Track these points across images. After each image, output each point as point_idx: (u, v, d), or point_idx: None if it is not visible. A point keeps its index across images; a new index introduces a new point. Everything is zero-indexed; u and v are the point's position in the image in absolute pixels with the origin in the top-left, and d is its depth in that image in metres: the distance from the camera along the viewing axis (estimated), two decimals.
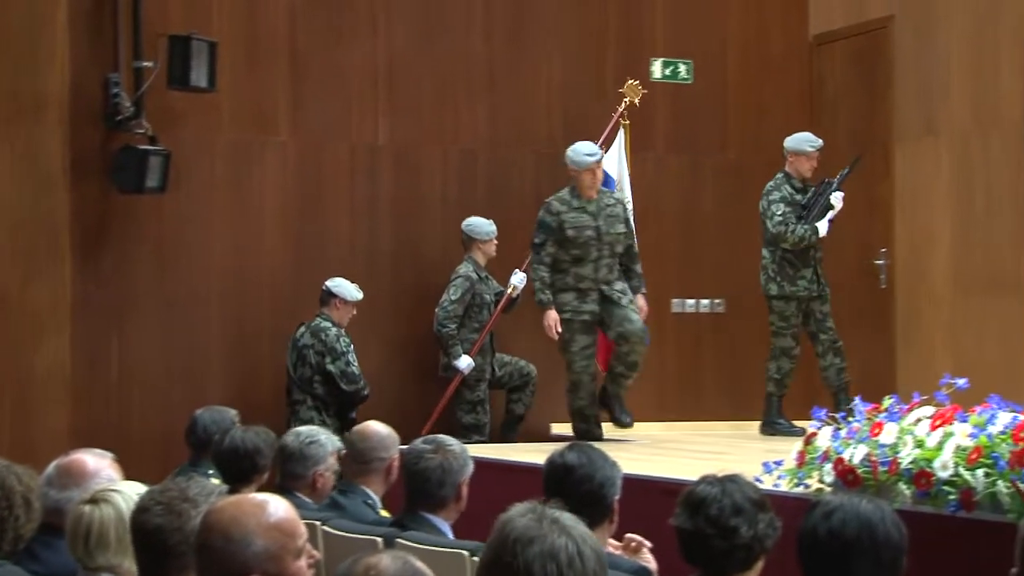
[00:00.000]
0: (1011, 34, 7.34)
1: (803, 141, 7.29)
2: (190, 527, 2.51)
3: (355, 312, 7.35)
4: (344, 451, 4.38)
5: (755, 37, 8.61)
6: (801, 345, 7.27)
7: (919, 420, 4.27)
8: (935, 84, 7.79)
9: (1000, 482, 3.84)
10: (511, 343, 7.68)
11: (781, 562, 2.91)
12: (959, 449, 4.01)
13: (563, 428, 7.38)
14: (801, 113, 8.39)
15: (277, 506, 2.38)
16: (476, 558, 3.17)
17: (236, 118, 7.56)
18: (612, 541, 3.43)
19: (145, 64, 7.14)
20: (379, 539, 3.61)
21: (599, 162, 6.94)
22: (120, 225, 7.28)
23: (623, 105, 7.69)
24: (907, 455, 4.14)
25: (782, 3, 8.61)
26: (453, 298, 7.45)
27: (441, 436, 3.87)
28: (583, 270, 6.86)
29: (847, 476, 4.31)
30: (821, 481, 4.45)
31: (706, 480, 2.94)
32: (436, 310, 7.43)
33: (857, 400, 4.65)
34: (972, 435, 4.02)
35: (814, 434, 4.58)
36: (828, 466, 4.40)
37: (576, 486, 3.29)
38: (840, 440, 4.43)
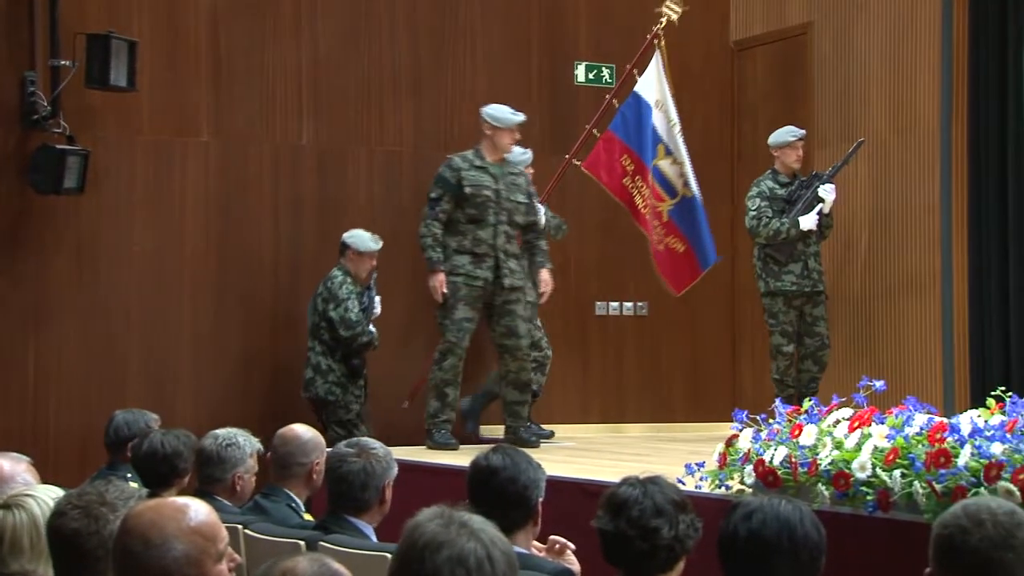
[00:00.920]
0: (927, 41, 7.47)
1: (784, 132, 7.39)
2: (108, 531, 2.48)
3: (374, 264, 7.25)
4: (265, 453, 4.35)
5: (676, 42, 8.67)
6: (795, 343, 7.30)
7: (838, 422, 4.34)
8: (853, 90, 7.90)
9: (916, 483, 3.90)
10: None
11: (702, 563, 2.93)
12: (876, 450, 4.07)
13: (491, 430, 7.37)
14: (722, 118, 8.48)
15: (197, 510, 2.35)
16: None
17: (156, 118, 7.47)
18: (535, 543, 3.44)
19: (63, 63, 7.03)
20: (302, 542, 3.59)
21: (520, 126, 6.89)
22: (37, 226, 7.16)
23: (660, 24, 7.53)
24: (826, 456, 4.20)
25: (703, 9, 8.69)
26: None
27: (365, 439, 3.85)
28: (481, 233, 6.76)
29: (768, 477, 4.36)
30: (742, 482, 4.50)
31: (628, 482, 2.96)
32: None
33: (777, 402, 4.71)
34: (889, 437, 4.09)
35: (735, 436, 4.63)
36: (749, 467, 4.45)
37: (500, 488, 3.29)
38: (761, 442, 4.48)
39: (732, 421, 4.75)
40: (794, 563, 2.65)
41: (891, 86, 7.71)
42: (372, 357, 7.29)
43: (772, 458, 4.37)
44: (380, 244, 7.24)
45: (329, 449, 4.10)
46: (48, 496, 2.77)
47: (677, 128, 7.34)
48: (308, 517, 4.19)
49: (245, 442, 4.27)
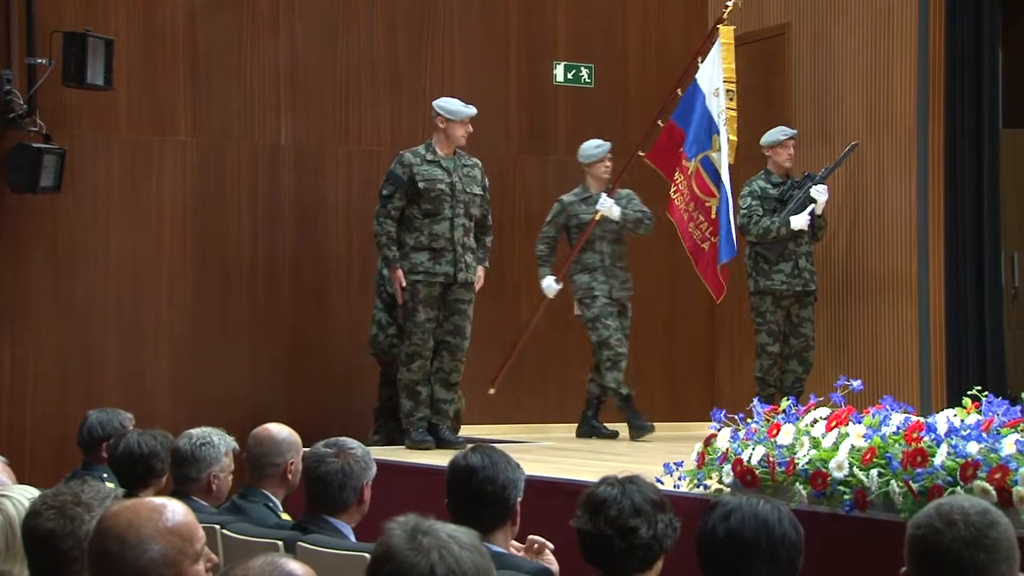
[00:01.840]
0: (903, 43, 7.50)
1: (776, 132, 7.42)
2: (83, 531, 2.47)
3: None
4: (241, 452, 4.33)
5: (655, 42, 8.70)
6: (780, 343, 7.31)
7: (815, 421, 4.35)
8: (831, 91, 7.93)
9: (893, 482, 3.92)
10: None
11: (681, 562, 2.94)
12: (854, 450, 4.09)
13: (469, 430, 7.36)
14: None
15: (175, 510, 2.34)
16: None
17: (134, 117, 7.44)
18: (514, 543, 3.44)
19: (39, 61, 6.99)
20: (280, 542, 3.58)
21: (472, 118, 6.86)
22: (13, 225, 7.12)
23: (727, 8, 7.34)
24: (804, 456, 4.21)
25: (682, 9, 8.71)
26: (547, 219, 7.51)
27: (343, 439, 3.83)
28: (438, 227, 6.74)
29: (746, 477, 4.37)
30: (720, 482, 4.50)
31: (606, 481, 2.96)
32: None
33: (755, 401, 4.72)
34: (866, 436, 4.10)
35: (714, 435, 4.64)
36: (727, 467, 4.46)
37: (479, 488, 3.29)
38: (739, 441, 4.49)
39: (711, 420, 4.76)
40: (772, 562, 2.66)
41: (868, 87, 7.74)
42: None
43: (750, 457, 4.38)
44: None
45: (306, 449, 4.09)
46: (24, 496, 2.76)
47: (723, 118, 7.10)
48: (286, 517, 4.17)
49: (220, 441, 4.25)
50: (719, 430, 4.62)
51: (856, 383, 4.37)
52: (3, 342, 7.08)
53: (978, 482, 3.69)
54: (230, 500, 4.23)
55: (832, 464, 4.10)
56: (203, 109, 7.62)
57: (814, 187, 7.26)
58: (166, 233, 7.51)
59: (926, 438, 3.93)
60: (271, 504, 4.16)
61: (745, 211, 7.27)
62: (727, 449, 4.51)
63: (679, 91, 7.26)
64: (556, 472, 5.49)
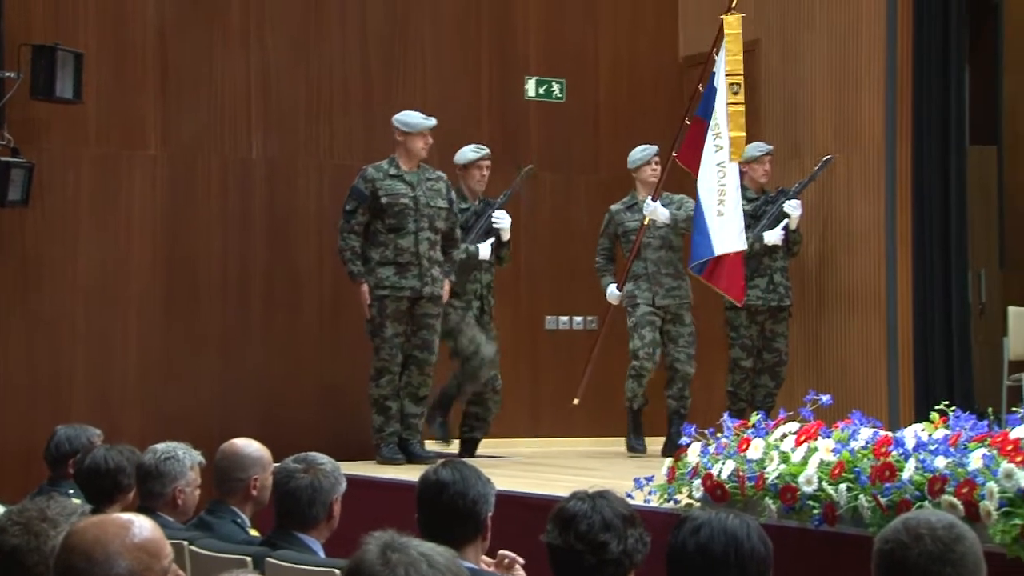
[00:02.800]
0: (871, 59, 7.56)
1: (752, 148, 7.39)
2: (49, 547, 2.45)
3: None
4: (206, 466, 4.31)
5: (626, 57, 8.74)
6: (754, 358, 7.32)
7: (785, 436, 4.37)
8: (800, 107, 7.98)
9: (862, 496, 3.94)
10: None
11: None
12: (823, 464, 4.11)
13: (436, 445, 7.36)
14: (671, 133, 8.50)
15: (142, 526, 2.33)
16: None
17: (103, 130, 7.41)
18: (485, 558, 3.44)
19: (7, 74, 6.95)
20: (248, 558, 3.56)
21: (431, 130, 6.85)
22: None
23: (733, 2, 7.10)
24: (773, 470, 4.23)
25: (653, 25, 8.76)
26: (600, 231, 7.46)
27: (313, 454, 3.82)
28: (402, 241, 6.73)
29: (716, 491, 4.38)
30: (690, 496, 4.52)
31: (577, 496, 2.96)
32: None
33: (726, 416, 4.74)
34: (835, 450, 4.13)
35: (684, 450, 4.65)
36: (697, 481, 4.47)
37: (449, 503, 3.29)
38: (709, 456, 4.50)
39: (680, 435, 4.78)
40: None
41: (837, 104, 7.79)
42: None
43: (720, 472, 4.39)
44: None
45: (277, 464, 4.07)
46: None
47: (726, 114, 6.86)
48: (254, 533, 4.15)
49: (185, 455, 4.22)
50: (689, 444, 4.63)
51: (825, 398, 4.40)
52: None
53: (946, 496, 3.72)
54: (197, 516, 4.21)
55: (801, 479, 4.12)
56: (173, 123, 7.59)
57: (787, 202, 7.29)
58: (135, 247, 7.47)
59: (894, 453, 3.95)
60: (239, 520, 4.14)
61: None
62: (697, 464, 4.52)
63: (700, 87, 7.09)
64: (527, 487, 5.49)
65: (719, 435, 4.59)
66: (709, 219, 6.80)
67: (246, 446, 4.21)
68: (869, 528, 3.87)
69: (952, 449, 3.84)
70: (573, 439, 8.04)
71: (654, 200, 7.18)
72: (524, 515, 4.54)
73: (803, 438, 4.27)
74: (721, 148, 6.79)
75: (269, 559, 3.51)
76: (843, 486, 3.99)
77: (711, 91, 6.92)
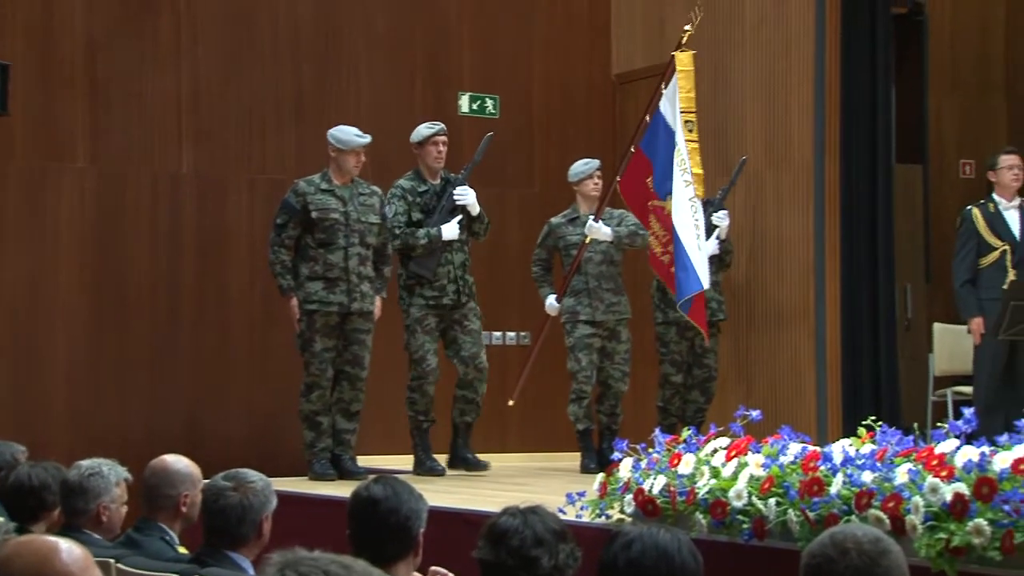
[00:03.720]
0: (800, 78, 7.66)
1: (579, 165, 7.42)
2: None
3: None
4: (132, 483, 4.26)
5: (560, 74, 8.79)
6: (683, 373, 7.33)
7: (715, 451, 4.40)
8: (730, 124, 8.07)
9: (790, 511, 3.98)
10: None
11: None
12: (752, 479, 4.14)
13: (371, 460, 7.32)
14: (604, 149, 8.57)
15: (70, 548, 2.29)
16: None
17: (30, 144, 7.31)
18: (416, 574, 3.43)
19: None
20: None
21: (365, 147, 6.79)
22: None
23: (684, 32, 7.01)
24: (704, 485, 4.26)
25: (586, 42, 8.82)
26: (537, 241, 7.37)
27: (242, 471, 3.78)
28: (332, 256, 6.68)
29: (647, 506, 4.41)
30: (622, 511, 4.54)
31: (508, 511, 2.96)
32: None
33: (657, 431, 4.77)
34: (764, 465, 4.16)
35: (616, 465, 4.67)
36: (629, 497, 4.50)
37: (381, 519, 3.27)
38: (641, 471, 4.53)
39: (612, 451, 4.80)
40: None
41: (766, 121, 7.89)
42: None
43: (651, 487, 4.42)
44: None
45: (206, 481, 4.03)
46: None
47: (685, 151, 6.76)
48: (183, 550, 4.11)
49: (110, 471, 4.17)
50: (621, 460, 4.66)
51: (755, 413, 4.43)
52: None
53: (872, 511, 3.76)
54: (125, 533, 4.15)
55: (731, 493, 4.15)
56: (102, 136, 7.51)
57: (715, 213, 7.35)
58: (63, 261, 7.38)
59: (822, 467, 4.00)
60: (167, 537, 4.09)
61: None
62: (629, 479, 4.55)
63: (647, 118, 7.02)
64: (459, 502, 5.48)
65: (650, 450, 4.62)
66: (691, 254, 6.71)
67: (175, 462, 4.16)
68: (798, 542, 3.91)
69: (879, 464, 3.89)
70: (506, 454, 8.04)
71: (597, 219, 7.17)
72: (456, 531, 4.53)
73: (733, 453, 4.30)
74: (690, 184, 6.76)
75: None
76: (772, 501, 4.03)
77: (658, 125, 6.87)
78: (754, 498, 4.09)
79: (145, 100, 7.61)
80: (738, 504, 4.12)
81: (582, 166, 7.36)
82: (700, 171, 6.79)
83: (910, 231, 8.42)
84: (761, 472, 4.14)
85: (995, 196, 7.13)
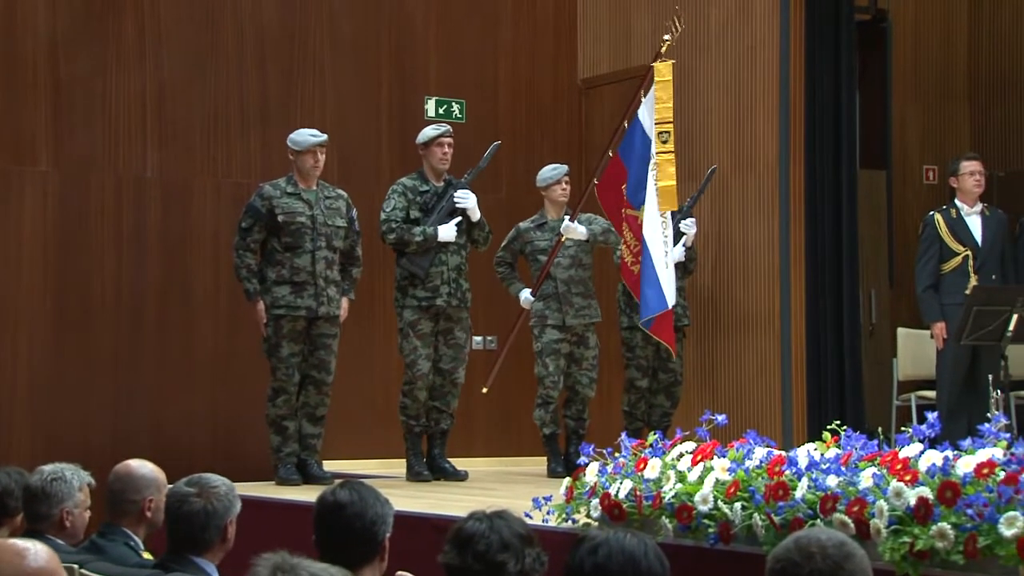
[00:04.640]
0: (765, 83, 7.70)
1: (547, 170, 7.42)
2: None
3: None
4: (95, 487, 4.23)
5: (526, 79, 8.80)
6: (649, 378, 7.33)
7: (681, 455, 4.42)
8: (696, 129, 8.10)
9: (756, 515, 3.99)
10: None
11: None
12: (718, 483, 4.16)
13: (336, 465, 7.30)
14: (570, 154, 8.60)
15: (37, 552, 2.28)
16: None
17: None
18: None
19: None
20: None
21: (322, 146, 6.73)
22: None
23: (664, 42, 6.91)
24: (670, 489, 4.27)
25: (552, 47, 8.83)
26: (503, 243, 7.32)
27: (206, 476, 3.76)
28: (299, 260, 6.64)
29: (613, 511, 4.41)
30: (588, 516, 4.54)
31: (474, 516, 2.96)
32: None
33: (623, 435, 4.78)
34: (730, 470, 4.18)
35: (582, 470, 4.68)
36: (595, 501, 4.50)
37: (347, 524, 3.26)
38: (607, 476, 4.54)
39: (578, 455, 4.80)
40: None
41: (732, 127, 7.92)
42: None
43: (618, 491, 4.42)
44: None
45: (170, 486, 4.01)
46: None
47: (654, 163, 6.70)
48: (147, 556, 4.08)
49: (73, 476, 4.14)
50: (587, 464, 4.66)
51: (720, 417, 4.45)
52: None
53: (837, 515, 3.78)
54: (89, 539, 4.12)
55: (697, 498, 4.16)
56: (65, 139, 7.46)
57: (683, 221, 7.37)
58: (25, 264, 7.32)
59: (787, 472, 4.02)
60: (132, 543, 4.07)
61: (620, 250, 7.34)
62: (595, 483, 4.55)
63: (625, 124, 6.97)
64: (425, 507, 5.47)
65: (617, 455, 4.62)
66: (659, 271, 6.68)
67: (140, 467, 4.14)
68: (763, 546, 3.92)
69: (843, 468, 3.91)
70: (472, 459, 8.03)
71: (573, 219, 7.13)
72: (422, 535, 4.52)
73: (699, 458, 4.32)
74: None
75: None
76: (738, 505, 4.05)
77: (634, 132, 6.83)
78: (720, 502, 4.10)
79: (109, 102, 7.56)
80: (704, 508, 4.13)
81: (550, 171, 7.35)
82: (672, 183, 6.70)
83: (874, 236, 8.48)
84: (727, 476, 4.15)
85: (957, 202, 7.19)
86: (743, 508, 4.03)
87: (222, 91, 7.86)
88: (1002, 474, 3.56)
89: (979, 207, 7.16)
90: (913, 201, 8.74)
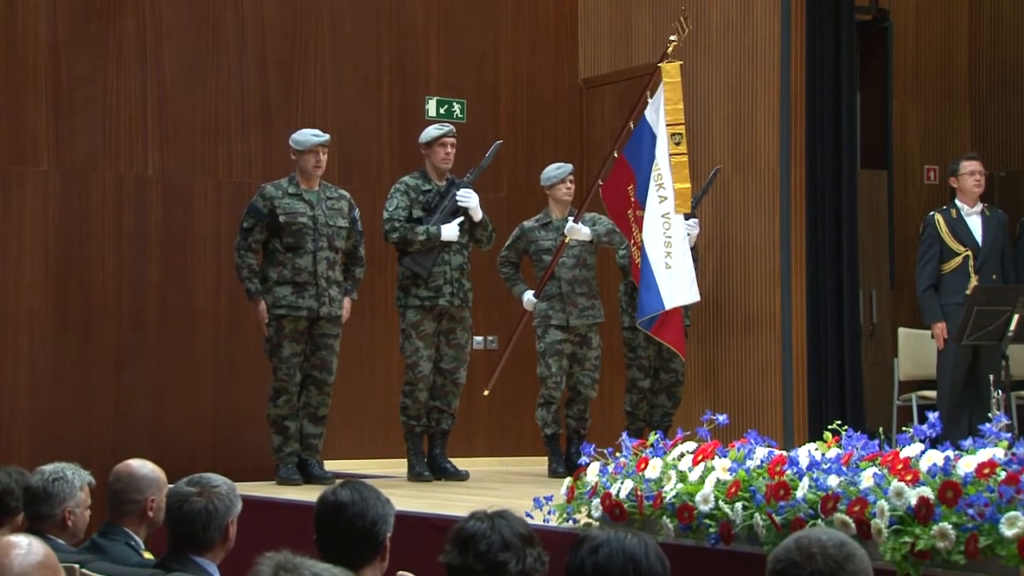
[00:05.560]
0: (766, 83, 7.70)
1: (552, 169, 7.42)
2: None
3: None
4: (95, 486, 4.23)
5: (526, 79, 8.80)
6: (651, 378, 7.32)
7: (682, 455, 4.42)
8: (697, 128, 8.09)
9: (757, 515, 3.99)
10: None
11: None
12: (719, 483, 4.16)
13: (336, 464, 7.30)
14: (571, 154, 8.60)
15: (35, 548, 2.28)
16: None
17: None
18: None
19: None
20: None
21: (324, 146, 6.72)
22: None
23: (670, 43, 6.88)
24: (671, 489, 4.27)
25: (553, 47, 8.83)
26: (507, 243, 7.29)
27: (207, 475, 3.76)
28: (300, 261, 6.64)
29: (614, 511, 4.41)
30: (589, 516, 4.54)
31: (476, 516, 2.96)
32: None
33: (624, 436, 4.78)
34: (731, 470, 4.18)
35: (583, 469, 4.68)
36: (596, 501, 4.50)
37: (348, 524, 3.26)
38: (608, 475, 4.54)
39: (580, 455, 4.81)
40: None
41: (733, 127, 7.92)
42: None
43: (619, 491, 4.42)
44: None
45: (171, 486, 4.01)
46: None
47: (668, 165, 6.67)
48: (148, 555, 4.09)
49: (74, 475, 4.14)
50: (588, 464, 4.66)
51: (721, 417, 4.45)
52: None
53: (838, 515, 3.78)
54: (90, 539, 4.13)
55: (698, 498, 4.17)
56: (66, 139, 7.46)
57: (686, 222, 7.36)
58: (26, 264, 7.33)
59: (788, 471, 4.02)
60: (132, 542, 4.07)
61: (624, 252, 7.34)
62: (596, 483, 4.55)
63: (631, 124, 6.94)
64: (426, 507, 5.47)
65: (618, 455, 4.63)
66: (657, 272, 6.66)
67: (140, 467, 4.14)
68: (764, 546, 3.92)
69: (844, 468, 3.91)
70: (473, 458, 8.04)
71: (577, 220, 7.12)
72: (423, 535, 4.53)
73: (700, 457, 4.32)
74: (665, 199, 6.69)
75: None
76: (739, 505, 4.05)
77: (642, 134, 6.80)
78: (721, 502, 4.10)
79: (109, 102, 7.56)
80: (705, 508, 4.13)
81: (555, 170, 7.34)
82: (687, 185, 6.69)
83: (875, 237, 8.48)
84: (728, 476, 4.15)
85: (957, 202, 7.19)
86: (744, 508, 4.03)
87: (223, 91, 7.86)
88: (1003, 474, 3.56)
89: (979, 207, 7.16)
90: (914, 201, 8.74)
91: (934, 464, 3.69)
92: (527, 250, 7.37)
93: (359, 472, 6.96)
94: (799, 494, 3.91)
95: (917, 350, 7.67)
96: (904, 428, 3.97)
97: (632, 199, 6.87)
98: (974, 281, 6.96)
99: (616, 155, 7.03)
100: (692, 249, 7.39)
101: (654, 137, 6.73)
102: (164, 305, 7.64)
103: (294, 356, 6.66)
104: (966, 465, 3.63)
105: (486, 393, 7.17)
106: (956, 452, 3.75)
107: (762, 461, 4.15)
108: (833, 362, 7.32)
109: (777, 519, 3.92)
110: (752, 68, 7.81)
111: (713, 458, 4.28)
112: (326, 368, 6.73)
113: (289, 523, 5.24)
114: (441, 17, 8.56)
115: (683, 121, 6.74)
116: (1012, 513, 3.44)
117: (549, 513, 4.62)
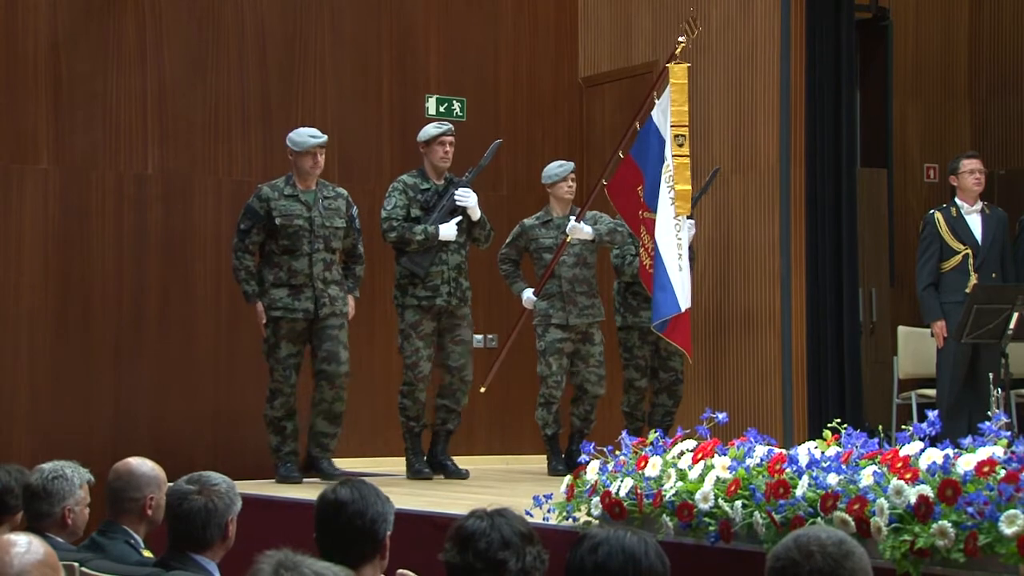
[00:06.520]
0: (766, 82, 7.70)
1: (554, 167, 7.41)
2: None
3: None
4: (95, 485, 4.23)
5: (526, 77, 8.80)
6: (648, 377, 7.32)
7: (682, 453, 4.42)
8: (697, 128, 8.09)
9: (756, 513, 3.99)
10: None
11: None
12: (719, 481, 4.16)
13: (335, 463, 7.30)
14: (571, 152, 8.60)
15: (35, 547, 2.29)
16: None
17: None
18: None
19: None
20: None
21: (321, 147, 6.70)
22: None
23: (679, 44, 6.86)
24: (670, 488, 4.27)
25: (553, 46, 8.84)
26: (507, 241, 7.30)
27: (207, 474, 3.76)
28: (297, 263, 6.60)
29: (614, 509, 4.42)
30: (589, 514, 4.54)
31: (475, 514, 2.96)
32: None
33: (624, 434, 4.78)
34: (731, 468, 4.18)
35: (583, 468, 4.68)
36: (596, 499, 4.50)
37: (348, 522, 3.26)
38: (608, 474, 4.54)
39: (580, 453, 4.81)
40: None
41: (733, 126, 7.92)
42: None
43: (618, 490, 4.43)
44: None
45: (170, 484, 4.01)
46: None
47: (670, 167, 6.64)
48: (147, 554, 4.09)
49: (73, 474, 4.15)
50: (588, 462, 4.67)
51: (721, 415, 4.45)
52: None
53: (837, 513, 3.78)
54: (89, 537, 4.13)
55: (698, 496, 4.17)
56: (66, 137, 7.46)
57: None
58: (26, 262, 7.33)
59: (788, 470, 4.02)
60: (132, 541, 4.07)
61: (618, 252, 7.34)
62: (596, 481, 4.55)
63: (637, 125, 6.92)
64: (426, 505, 5.48)
65: (617, 453, 4.63)
66: (671, 274, 6.63)
67: (140, 465, 4.15)
68: (764, 544, 3.93)
69: (844, 466, 3.91)
70: (473, 457, 8.04)
71: (579, 219, 7.10)
72: (423, 533, 4.53)
73: (700, 456, 4.32)
74: (675, 202, 6.69)
75: None
76: (739, 503, 4.05)
77: (648, 134, 6.78)
78: (720, 500, 4.10)
79: (109, 100, 7.56)
80: (704, 506, 4.13)
81: (557, 168, 7.33)
82: (688, 187, 6.69)
83: (875, 235, 8.48)
84: (727, 474, 4.15)
85: (957, 200, 7.19)
86: (744, 506, 4.03)
87: (223, 89, 7.86)
88: (1002, 472, 3.56)
89: (979, 205, 7.16)
90: (914, 200, 8.74)
91: (933, 462, 3.69)
92: (527, 248, 7.36)
93: (359, 470, 6.96)
94: (799, 492, 3.91)
95: (917, 348, 7.67)
96: (904, 426, 3.97)
97: (640, 200, 6.86)
98: (974, 279, 6.96)
99: (622, 155, 7.01)
100: (690, 248, 7.40)
101: (662, 139, 6.72)
102: (164, 303, 7.64)
103: (290, 357, 6.64)
104: (966, 463, 3.64)
105: (483, 390, 7.17)
106: (956, 450, 3.75)
107: (762, 459, 4.16)
108: (833, 360, 7.33)
109: (777, 517, 3.92)
110: (752, 67, 7.81)
111: (713, 456, 4.28)
112: (334, 359, 6.65)
113: (289, 521, 5.24)
114: (441, 15, 8.56)
115: (687, 123, 6.74)
116: (1011, 511, 3.45)
117: (549, 511, 4.62)
